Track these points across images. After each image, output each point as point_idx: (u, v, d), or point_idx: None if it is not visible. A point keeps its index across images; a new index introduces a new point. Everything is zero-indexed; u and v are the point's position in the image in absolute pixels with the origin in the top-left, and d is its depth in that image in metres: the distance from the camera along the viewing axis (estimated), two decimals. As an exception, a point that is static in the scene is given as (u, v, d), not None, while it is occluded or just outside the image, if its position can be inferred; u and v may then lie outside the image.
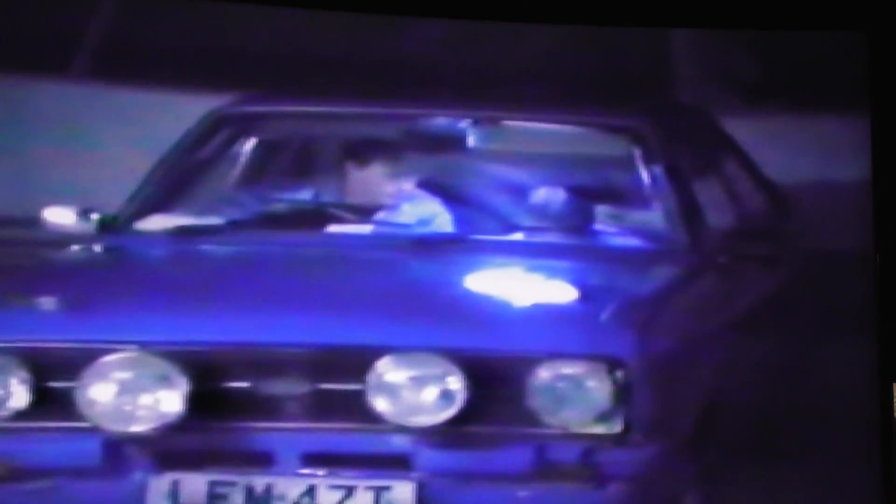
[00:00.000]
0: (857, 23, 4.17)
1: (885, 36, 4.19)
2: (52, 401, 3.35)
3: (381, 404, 3.34)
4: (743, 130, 4.02)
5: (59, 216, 3.79)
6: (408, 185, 3.94)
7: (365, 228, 3.87)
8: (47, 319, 3.43)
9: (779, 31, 4.13)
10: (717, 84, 4.16)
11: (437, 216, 3.89)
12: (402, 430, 3.36)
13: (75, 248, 3.82)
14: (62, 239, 3.80)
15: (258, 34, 4.04)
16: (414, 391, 3.35)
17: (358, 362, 3.35)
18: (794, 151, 4.08)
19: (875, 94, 4.11)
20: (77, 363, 3.34)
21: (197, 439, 3.37)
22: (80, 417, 3.34)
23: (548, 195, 3.95)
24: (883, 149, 4.13)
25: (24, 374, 3.36)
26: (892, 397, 4.01)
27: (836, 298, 3.96)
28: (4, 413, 3.36)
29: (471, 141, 4.01)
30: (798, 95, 4.10)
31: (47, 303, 3.46)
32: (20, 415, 3.36)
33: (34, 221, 3.80)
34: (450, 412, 3.35)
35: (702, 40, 4.20)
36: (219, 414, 3.36)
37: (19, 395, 3.35)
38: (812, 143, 4.09)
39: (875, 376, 4.02)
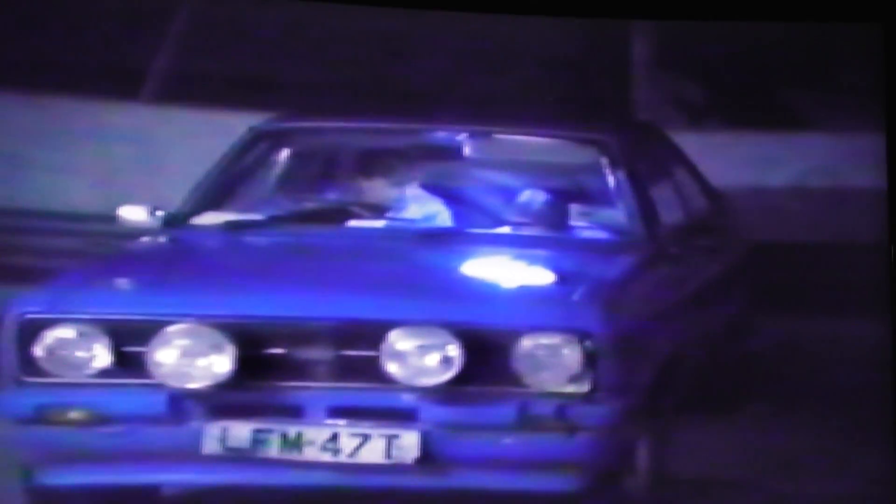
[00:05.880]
0: (871, 14, 3.98)
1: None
2: (127, 362, 3.51)
3: (392, 368, 3.49)
4: (688, 144, 4.13)
5: (132, 213, 3.95)
6: (414, 188, 4.06)
7: (378, 223, 3.99)
8: (123, 297, 3.62)
9: (791, 23, 4.02)
10: (667, 107, 4.24)
11: (438, 213, 4.01)
12: (410, 389, 3.50)
13: (145, 239, 3.96)
14: (134, 232, 3.95)
15: (289, 65, 4.13)
16: (419, 357, 3.49)
17: (373, 333, 3.50)
18: (731, 160, 4.14)
19: (891, 88, 3.96)
20: (147, 332, 3.50)
21: (242, 395, 3.51)
22: (149, 376, 3.50)
23: (531, 196, 4.03)
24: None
25: (106, 341, 3.51)
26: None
27: (771, 279, 4.06)
28: (90, 371, 3.52)
29: (466, 151, 4.13)
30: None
31: (123, 283, 3.67)
32: (102, 373, 3.52)
33: (112, 218, 3.95)
34: (449, 375, 3.49)
35: (656, 71, 4.23)
36: (260, 374, 3.51)
37: (102, 357, 3.52)
38: (746, 154, 4.10)
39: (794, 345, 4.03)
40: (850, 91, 4.08)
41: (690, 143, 4.13)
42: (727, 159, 4.12)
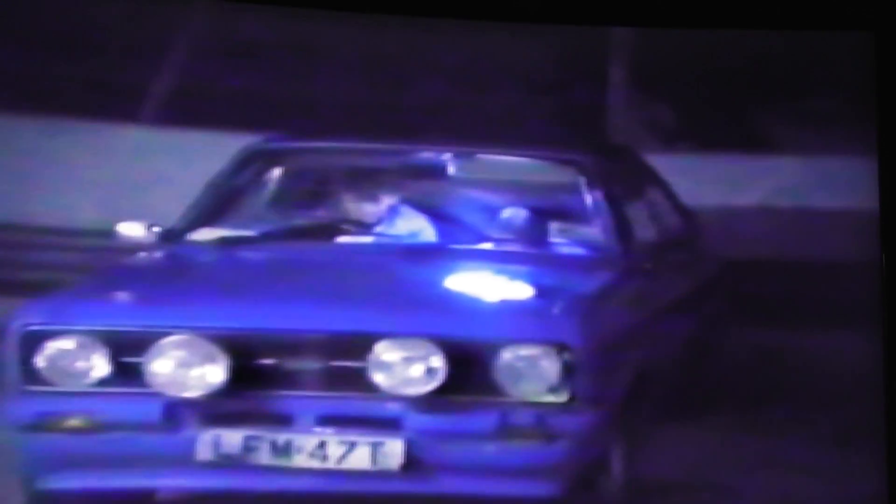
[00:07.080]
0: (862, 22, 3.90)
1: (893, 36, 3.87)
2: (125, 372, 3.56)
3: (378, 378, 3.54)
4: (661, 165, 4.16)
5: (131, 229, 3.99)
6: (400, 205, 4.11)
7: (366, 239, 4.04)
8: (121, 309, 3.66)
9: (782, 32, 3.95)
10: (641, 130, 4.27)
11: (423, 230, 4.06)
12: (395, 398, 3.54)
13: (142, 254, 4.00)
14: (132, 247, 3.99)
15: (280, 88, 4.13)
16: (405, 368, 3.54)
17: (361, 345, 3.55)
18: (701, 181, 4.16)
19: (882, 99, 3.88)
20: (144, 343, 3.55)
21: (234, 403, 3.56)
22: (146, 385, 3.55)
23: (512, 213, 4.07)
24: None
25: (104, 351, 3.56)
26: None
27: (745, 293, 4.10)
28: (89, 381, 3.57)
29: (451, 170, 4.17)
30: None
31: (121, 296, 3.71)
32: (101, 382, 3.57)
33: (111, 234, 3.99)
34: (433, 385, 3.54)
35: (631, 96, 4.25)
36: (252, 384, 3.56)
37: (100, 367, 3.57)
38: (715, 175, 4.12)
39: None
40: (837, 107, 4.06)
41: (663, 164, 4.18)
42: (698, 180, 4.16)
